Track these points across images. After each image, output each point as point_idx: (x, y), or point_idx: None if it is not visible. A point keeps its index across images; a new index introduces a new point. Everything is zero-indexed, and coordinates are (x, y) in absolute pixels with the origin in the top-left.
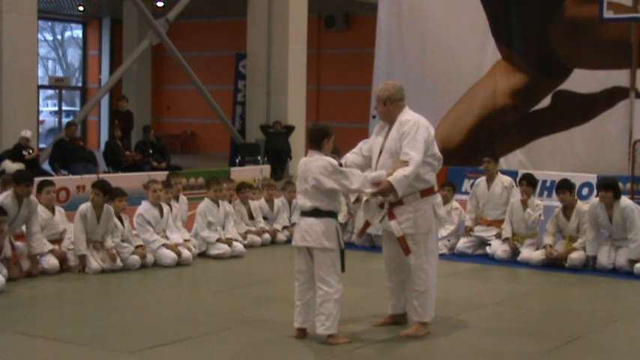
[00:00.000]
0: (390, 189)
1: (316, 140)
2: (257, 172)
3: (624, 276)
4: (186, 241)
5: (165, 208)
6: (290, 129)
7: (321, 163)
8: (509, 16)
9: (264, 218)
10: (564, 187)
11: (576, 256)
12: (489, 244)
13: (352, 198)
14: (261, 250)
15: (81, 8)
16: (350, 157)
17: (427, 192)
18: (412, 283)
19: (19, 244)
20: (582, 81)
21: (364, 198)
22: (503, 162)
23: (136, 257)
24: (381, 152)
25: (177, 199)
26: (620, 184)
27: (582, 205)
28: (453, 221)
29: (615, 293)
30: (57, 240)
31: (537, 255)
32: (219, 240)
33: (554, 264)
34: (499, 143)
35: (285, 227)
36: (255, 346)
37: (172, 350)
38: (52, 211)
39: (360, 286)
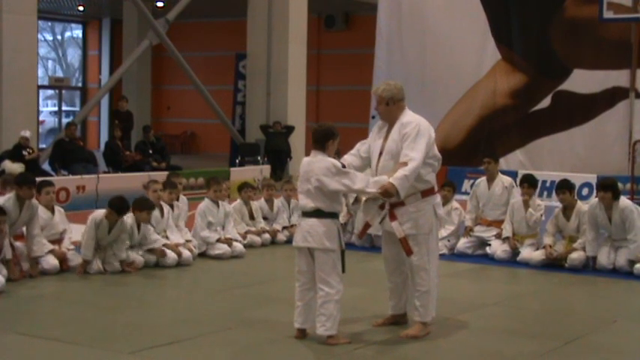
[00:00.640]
0: (392, 190)
1: (320, 141)
2: (257, 172)
3: (624, 276)
4: (187, 241)
5: (166, 208)
6: (290, 129)
7: (324, 165)
8: (509, 17)
9: (264, 218)
10: (564, 187)
11: (576, 256)
12: (489, 245)
13: (351, 199)
14: (261, 250)
15: (81, 8)
16: (348, 158)
17: (428, 192)
18: (414, 283)
19: (18, 244)
20: (582, 81)
21: (363, 199)
22: (504, 162)
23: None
24: (381, 153)
25: (177, 198)
26: (620, 185)
27: (582, 206)
28: (453, 221)
29: (615, 293)
30: (57, 240)
31: (537, 255)
32: (219, 240)
33: (554, 264)
34: (499, 143)
35: (285, 227)
36: (255, 347)
37: (172, 350)
38: (52, 211)
39: (359, 287)
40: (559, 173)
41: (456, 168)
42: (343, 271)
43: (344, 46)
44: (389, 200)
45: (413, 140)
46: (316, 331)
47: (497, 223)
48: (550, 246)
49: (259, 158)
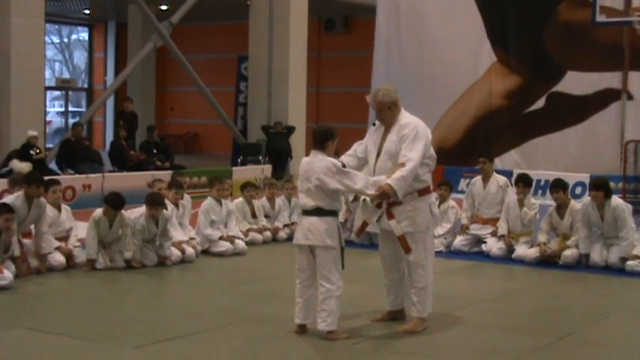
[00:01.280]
0: (390, 190)
1: (320, 141)
2: (258, 171)
3: (616, 273)
4: (191, 239)
5: (170, 206)
6: (290, 129)
7: (324, 164)
8: (505, 20)
9: (266, 216)
10: (558, 186)
11: (569, 253)
12: (485, 242)
13: (350, 197)
14: (263, 247)
15: (87, 12)
16: (345, 159)
17: (424, 191)
18: (411, 279)
19: (26, 241)
20: (576, 83)
21: (362, 197)
22: (499, 162)
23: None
24: (379, 154)
25: (181, 197)
26: (612, 184)
27: (575, 204)
28: (449, 219)
29: (607, 290)
30: (63, 237)
31: (532, 252)
32: (221, 238)
33: (548, 261)
34: (495, 143)
35: (285, 225)
36: (257, 342)
37: (176, 345)
38: (59, 209)
39: (358, 283)
40: (553, 173)
41: (453, 167)
42: (342, 267)
43: (343, 49)
44: (387, 201)
45: (411, 142)
46: (317, 326)
47: (493, 222)
48: (544, 243)
49: (261, 158)
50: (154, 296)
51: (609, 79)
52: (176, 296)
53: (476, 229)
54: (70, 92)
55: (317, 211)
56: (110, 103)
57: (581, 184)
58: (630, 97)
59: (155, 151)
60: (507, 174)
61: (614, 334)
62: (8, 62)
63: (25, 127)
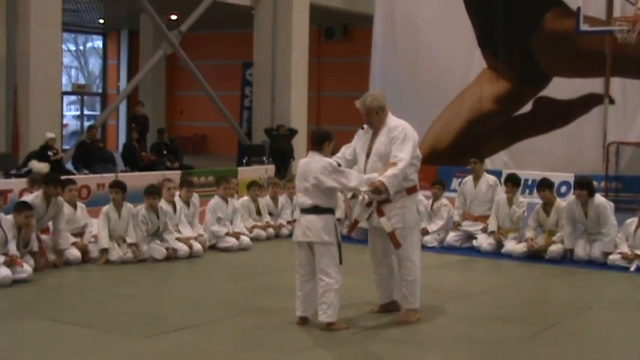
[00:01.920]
0: (382, 187)
1: (318, 142)
2: (262, 171)
3: (599, 267)
4: (200, 235)
5: (179, 204)
6: (293, 132)
7: (321, 164)
8: (495, 29)
9: (270, 214)
10: (544, 185)
11: (555, 248)
12: (476, 238)
13: (349, 195)
14: (266, 243)
15: (101, 21)
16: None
17: (412, 190)
18: (401, 273)
19: (44, 237)
20: (561, 88)
21: (360, 196)
22: (489, 162)
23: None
24: (368, 155)
25: (187, 204)
26: (595, 183)
27: (560, 202)
28: (442, 216)
29: (590, 283)
30: (79, 233)
31: (520, 248)
32: (227, 234)
33: (535, 256)
34: (485, 145)
35: (288, 222)
36: (261, 332)
37: (185, 335)
38: (75, 207)
39: (355, 277)
40: (540, 172)
41: (446, 167)
42: (340, 262)
43: (342, 56)
44: (378, 198)
45: (401, 143)
46: (318, 318)
47: (483, 219)
48: (531, 239)
49: (264, 159)
50: (164, 288)
51: (592, 85)
52: (185, 289)
53: (467, 226)
54: (85, 97)
55: (314, 209)
56: (123, 107)
57: (566, 183)
58: (612, 102)
59: (165, 152)
60: (497, 174)
61: (596, 324)
62: (28, 68)
63: (44, 130)
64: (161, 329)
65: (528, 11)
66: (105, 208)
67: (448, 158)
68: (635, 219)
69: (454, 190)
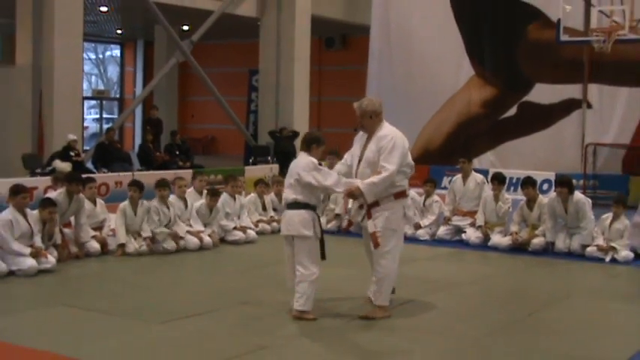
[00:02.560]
0: (356, 192)
1: (307, 144)
2: (267, 170)
3: (577, 258)
4: (213, 231)
5: (189, 200)
6: (295, 134)
7: (305, 161)
8: (482, 39)
9: (274, 210)
10: (528, 183)
11: (537, 241)
12: (465, 232)
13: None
14: (271, 236)
15: (119, 32)
16: (338, 167)
17: (399, 195)
18: (374, 270)
19: (67, 231)
20: (543, 94)
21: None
22: (477, 162)
23: (172, 243)
24: (360, 161)
25: (200, 193)
26: (575, 181)
27: (543, 199)
28: (433, 212)
29: (570, 273)
30: (98, 227)
31: (505, 241)
32: (235, 228)
33: (519, 248)
34: (473, 146)
35: None
36: (261, 319)
37: (196, 321)
38: (94, 203)
39: (353, 268)
40: (523, 171)
41: (437, 167)
42: (323, 257)
43: (341, 64)
44: (358, 201)
45: (389, 153)
46: (292, 304)
47: (472, 214)
48: (516, 233)
49: (269, 158)
50: (176, 279)
51: (572, 90)
52: (195, 279)
53: (457, 221)
54: (104, 101)
55: (295, 204)
56: (139, 111)
57: (547, 181)
58: (589, 106)
59: (177, 152)
60: (484, 172)
61: (574, 311)
62: (52, 76)
63: (66, 132)
64: (174, 316)
65: (513, 23)
66: (122, 205)
67: (439, 158)
68: (610, 214)
69: (445, 188)
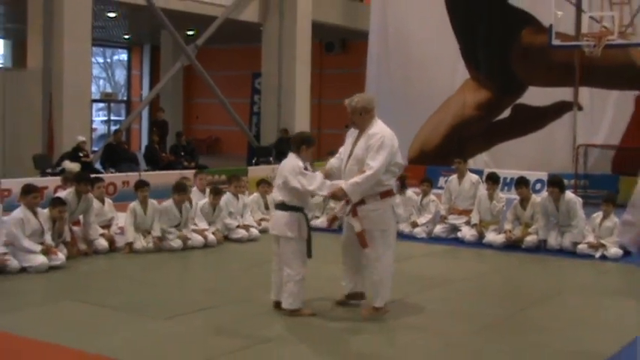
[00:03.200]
0: (340, 193)
1: (296, 145)
2: (269, 170)
3: (569, 255)
4: (217, 230)
5: (194, 199)
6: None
7: (291, 165)
8: (477, 44)
9: None
10: (521, 183)
11: (530, 239)
12: (460, 230)
13: None
14: None
15: (126, 36)
16: (332, 161)
17: (386, 194)
18: (369, 272)
19: (76, 228)
20: (535, 96)
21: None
22: (472, 162)
23: (178, 241)
24: (350, 157)
25: (203, 192)
26: (566, 181)
27: (535, 198)
28: (430, 211)
29: (561, 270)
30: (106, 225)
31: (499, 238)
32: (238, 226)
33: (512, 246)
34: (468, 147)
35: None
36: (264, 314)
37: (200, 316)
38: (103, 202)
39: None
40: (517, 171)
41: (433, 167)
42: (309, 256)
43: (341, 67)
44: (341, 201)
45: (376, 151)
46: (282, 305)
47: (467, 212)
48: (509, 231)
49: (271, 159)
50: (182, 275)
51: (563, 93)
52: (200, 275)
53: (452, 219)
54: (111, 104)
55: (282, 206)
56: (145, 113)
57: (540, 181)
58: (580, 108)
59: (182, 153)
60: (479, 173)
61: (566, 307)
62: (61, 79)
63: (75, 134)
64: (179, 311)
65: (506, 28)
66: (132, 205)
67: (435, 159)
68: (600, 213)
69: (441, 188)
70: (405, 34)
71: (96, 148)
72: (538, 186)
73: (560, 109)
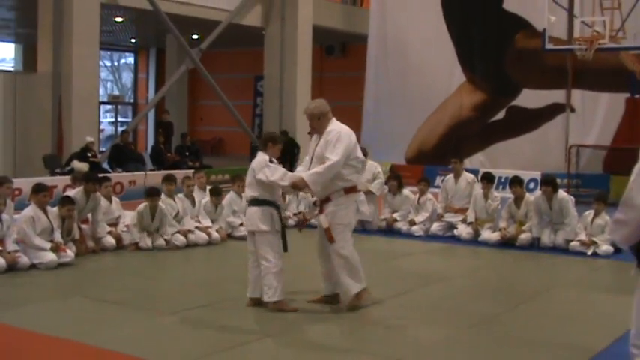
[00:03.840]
0: (301, 183)
1: (263, 144)
2: None
3: (561, 252)
4: (220, 228)
5: (197, 198)
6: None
7: (259, 160)
8: (473, 47)
9: None
10: (515, 182)
11: (524, 236)
12: (456, 228)
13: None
14: None
15: (133, 40)
16: (299, 169)
17: (350, 190)
18: (336, 265)
19: (84, 226)
20: (529, 98)
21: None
22: (468, 162)
23: (182, 238)
24: (312, 159)
25: (204, 189)
26: (559, 180)
27: (529, 197)
28: (427, 209)
29: (554, 266)
30: (114, 224)
31: (494, 236)
32: (241, 224)
33: (507, 243)
34: (464, 147)
35: (294, 214)
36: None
37: (204, 311)
38: (110, 201)
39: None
40: (511, 171)
41: (430, 167)
42: (285, 250)
43: (341, 70)
44: (304, 193)
45: (333, 145)
46: (263, 299)
47: (463, 211)
48: (504, 229)
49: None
50: (186, 271)
51: (556, 95)
52: (204, 272)
53: (449, 217)
54: (119, 106)
55: (253, 201)
56: (151, 115)
57: (534, 180)
58: (573, 110)
59: (187, 153)
60: (474, 172)
61: (557, 302)
62: (70, 82)
63: (84, 134)
64: (184, 306)
65: (501, 32)
66: (140, 208)
67: (432, 159)
68: (592, 211)
69: (438, 187)
70: (403, 38)
71: (104, 149)
72: (532, 185)
73: (553, 110)
